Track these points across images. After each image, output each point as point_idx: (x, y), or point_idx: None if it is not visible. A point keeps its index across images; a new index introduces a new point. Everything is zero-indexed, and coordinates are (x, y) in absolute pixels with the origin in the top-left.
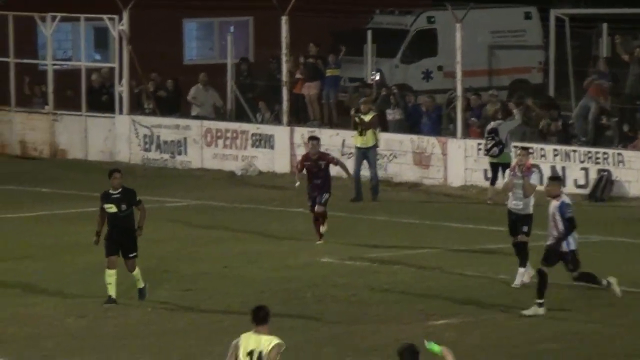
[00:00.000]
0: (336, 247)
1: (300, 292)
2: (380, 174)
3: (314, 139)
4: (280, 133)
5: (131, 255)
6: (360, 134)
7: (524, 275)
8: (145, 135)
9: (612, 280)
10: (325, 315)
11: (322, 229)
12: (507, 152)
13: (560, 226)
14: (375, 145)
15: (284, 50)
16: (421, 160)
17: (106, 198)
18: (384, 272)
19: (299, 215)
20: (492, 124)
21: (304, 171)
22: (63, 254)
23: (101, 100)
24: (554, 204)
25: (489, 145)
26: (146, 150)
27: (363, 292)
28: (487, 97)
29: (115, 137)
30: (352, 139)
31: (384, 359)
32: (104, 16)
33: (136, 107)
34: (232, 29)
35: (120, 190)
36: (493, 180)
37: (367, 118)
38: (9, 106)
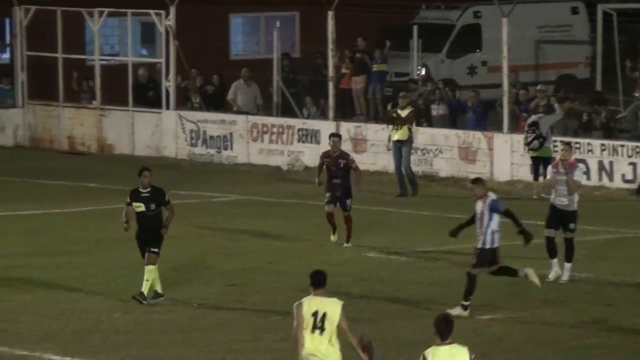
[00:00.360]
0: (381, 242)
1: (345, 287)
2: (426, 168)
3: (335, 136)
4: (326, 128)
5: (152, 249)
6: (395, 128)
7: (570, 269)
8: (191, 131)
9: (530, 271)
10: (371, 310)
11: (349, 241)
12: (547, 146)
13: (486, 223)
14: (410, 141)
15: (330, 46)
16: (467, 155)
17: (135, 196)
18: (429, 268)
19: None
20: (533, 117)
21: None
22: (110, 249)
23: (148, 96)
24: (481, 204)
25: (529, 139)
26: (192, 145)
27: (408, 287)
28: (535, 91)
29: (162, 132)
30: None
31: None
32: (151, 11)
33: (183, 102)
34: (278, 24)
35: (149, 189)
36: (536, 176)
37: (404, 113)
38: (57, 101)
